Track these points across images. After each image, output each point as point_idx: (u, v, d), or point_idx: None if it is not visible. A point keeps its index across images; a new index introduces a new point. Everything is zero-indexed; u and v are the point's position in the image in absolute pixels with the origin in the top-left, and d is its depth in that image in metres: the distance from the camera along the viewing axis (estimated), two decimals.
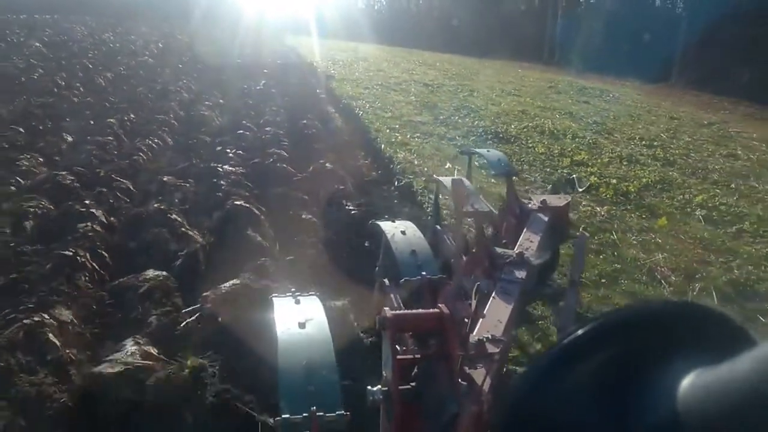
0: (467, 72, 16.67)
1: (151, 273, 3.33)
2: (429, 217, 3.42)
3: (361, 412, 1.42)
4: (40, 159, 5.07)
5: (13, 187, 4.40)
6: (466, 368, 1.51)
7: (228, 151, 5.72)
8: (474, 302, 1.75)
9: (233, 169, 5.19)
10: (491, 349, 1.65)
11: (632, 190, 5.94)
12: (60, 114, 6.68)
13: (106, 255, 3.55)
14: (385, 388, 1.38)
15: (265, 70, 11.35)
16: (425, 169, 6.22)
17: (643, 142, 8.54)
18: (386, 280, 2.02)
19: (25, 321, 2.66)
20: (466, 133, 7.91)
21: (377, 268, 2.47)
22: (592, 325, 0.40)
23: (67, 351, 2.63)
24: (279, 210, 4.46)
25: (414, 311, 1.51)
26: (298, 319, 1.45)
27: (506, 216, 3.09)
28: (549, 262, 3.02)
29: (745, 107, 15.54)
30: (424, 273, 1.86)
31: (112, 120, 6.39)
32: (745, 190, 6.56)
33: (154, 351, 2.66)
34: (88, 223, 3.76)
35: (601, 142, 8.22)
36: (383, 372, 1.43)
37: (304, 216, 4.36)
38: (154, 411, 2.28)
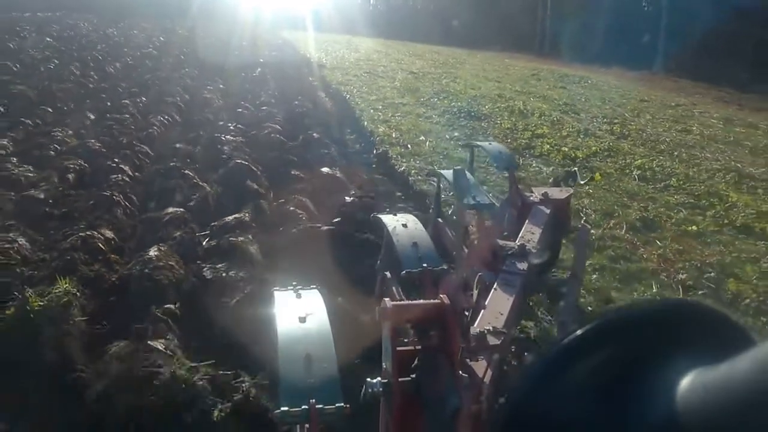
0: (455, 61, 17.53)
1: (171, 209, 4.23)
2: (431, 210, 3.42)
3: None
4: (69, 132, 5.95)
5: (52, 152, 5.30)
6: (467, 360, 1.51)
7: (229, 125, 6.62)
8: (475, 293, 1.76)
9: (234, 138, 6.09)
10: (492, 341, 1.64)
11: (580, 155, 6.84)
12: (80, 97, 7.56)
13: (135, 198, 4.45)
14: (385, 380, 1.37)
15: (261, 60, 12.22)
16: (402, 140, 7.10)
17: (605, 120, 9.42)
18: (388, 273, 2.03)
19: (80, 234, 3.56)
20: (442, 112, 8.81)
21: (379, 262, 2.44)
22: (592, 324, 0.40)
23: (112, 254, 3.53)
24: (273, 168, 5.37)
25: (414, 302, 1.50)
26: (299, 313, 1.45)
27: (508, 208, 3.07)
28: (550, 255, 3.01)
29: (717, 91, 16.33)
30: (425, 265, 1.84)
31: (126, 101, 7.28)
32: (686, 156, 7.45)
33: (173, 256, 3.56)
34: (118, 175, 4.66)
35: (565, 120, 9.10)
36: (383, 363, 1.42)
37: (293, 172, 5.26)
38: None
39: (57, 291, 2.79)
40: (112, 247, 3.62)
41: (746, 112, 13.08)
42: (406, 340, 1.44)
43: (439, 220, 3.20)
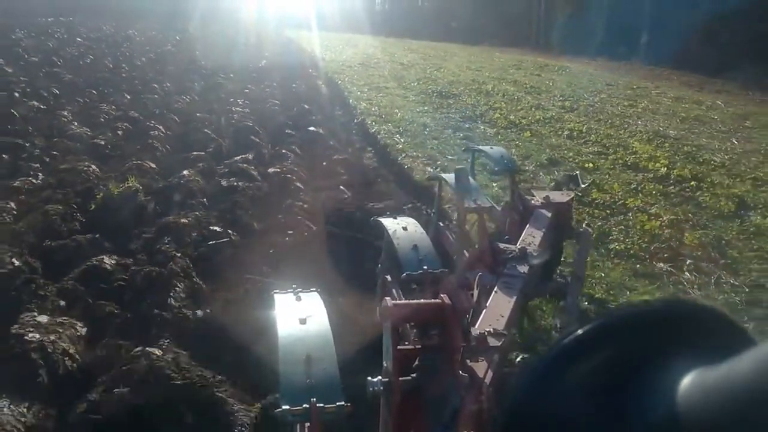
0: (445, 55, 19.05)
1: (195, 153, 5.84)
2: (432, 214, 3.50)
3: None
4: (113, 106, 7.60)
5: (102, 119, 6.94)
6: (468, 361, 1.52)
7: (239, 101, 8.24)
8: (476, 293, 1.78)
9: (242, 109, 7.71)
10: (493, 342, 1.66)
11: (523, 122, 8.35)
12: (116, 83, 9.23)
13: (168, 146, 6.07)
14: (386, 379, 1.38)
15: (266, 54, 13.85)
16: (379, 113, 8.66)
17: (562, 98, 10.89)
18: (388, 276, 2.04)
19: (134, 162, 5.17)
20: (418, 93, 10.36)
21: (379, 265, 2.43)
22: (592, 324, 0.40)
23: (156, 176, 5.14)
24: (271, 129, 6.97)
25: (415, 301, 1.51)
26: (299, 315, 1.47)
27: (509, 212, 3.08)
28: (552, 259, 3.04)
29: (688, 77, 17.60)
30: (426, 267, 1.86)
31: (155, 85, 8.93)
32: (618, 123, 8.91)
33: (198, 176, 5.14)
34: (155, 131, 6.28)
35: (525, 98, 10.60)
36: (384, 362, 1.43)
37: (287, 131, 6.86)
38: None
39: (128, 185, 4.41)
40: (156, 171, 5.23)
41: (704, 93, 14.41)
42: (407, 342, 1.45)
43: (440, 223, 3.21)
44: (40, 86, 8.17)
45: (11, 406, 2.24)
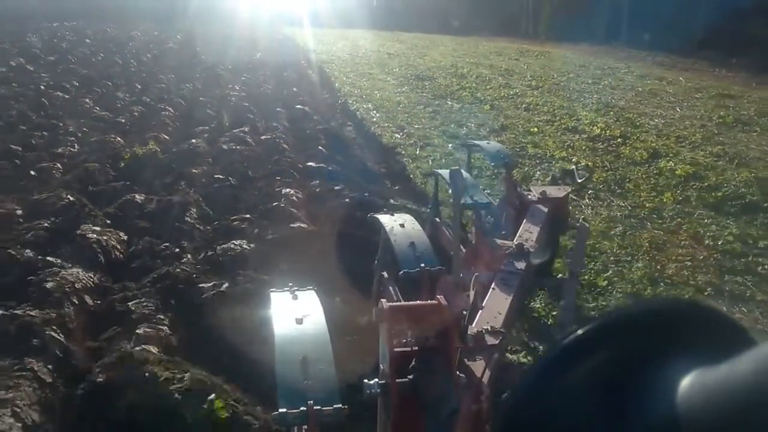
0: (431, 44, 20.09)
1: (200, 128, 6.97)
2: (429, 209, 3.52)
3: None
4: (127, 95, 8.76)
5: (119, 104, 8.10)
6: (465, 360, 1.54)
7: (236, 87, 9.38)
8: (473, 294, 1.81)
9: (238, 93, 8.85)
10: (490, 341, 1.68)
11: (488, 98, 9.45)
12: (127, 76, 10.38)
13: (177, 123, 7.21)
14: (383, 381, 1.38)
15: (261, 48, 14.99)
16: (360, 94, 9.78)
17: (531, 79, 11.96)
18: (385, 273, 2.07)
19: (151, 135, 6.32)
20: (397, 77, 11.47)
21: (376, 262, 2.45)
22: (592, 325, 0.40)
23: (170, 143, 6.28)
24: (264, 108, 8.10)
25: (411, 303, 1.51)
26: (296, 315, 1.47)
27: (505, 207, 3.07)
28: (549, 254, 3.03)
29: (663, 59, 18.53)
30: (423, 265, 1.84)
31: (161, 76, 10.08)
32: (575, 97, 9.99)
33: (204, 142, 6.28)
34: (166, 112, 7.43)
35: (496, 79, 11.68)
36: (380, 364, 1.43)
37: (278, 109, 7.99)
38: None
39: (149, 147, 5.56)
40: (169, 140, 6.38)
41: (672, 71, 15.42)
42: (404, 341, 1.44)
43: (437, 219, 3.23)
44: (61, 80, 9.33)
45: (83, 272, 3.38)
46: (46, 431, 2.25)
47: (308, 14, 28.55)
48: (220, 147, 6.09)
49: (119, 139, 6.23)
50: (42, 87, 8.83)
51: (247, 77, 10.41)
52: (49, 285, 3.09)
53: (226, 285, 3.19)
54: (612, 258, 3.99)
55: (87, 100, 8.16)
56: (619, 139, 6.98)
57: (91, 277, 3.36)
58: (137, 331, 2.73)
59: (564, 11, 25.63)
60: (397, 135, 7.05)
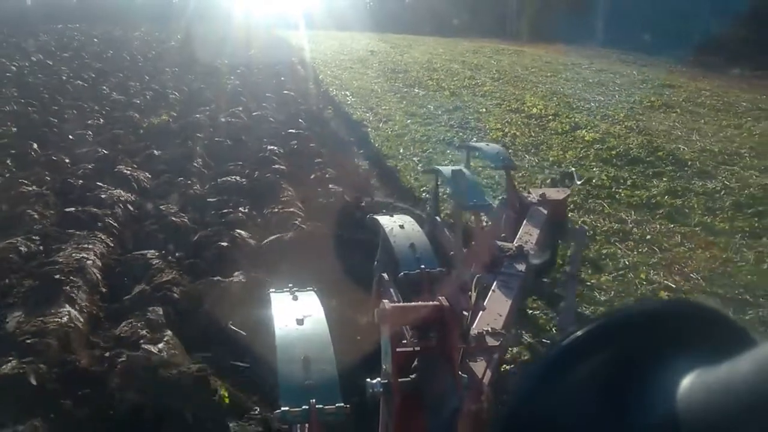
0: (414, 44, 21.53)
1: (201, 108, 8.37)
2: (428, 209, 3.53)
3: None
4: (138, 83, 10.16)
5: (132, 90, 9.50)
6: (467, 361, 1.57)
7: (231, 77, 10.80)
8: (474, 294, 1.85)
9: (233, 83, 10.27)
10: (491, 342, 1.71)
11: (451, 87, 10.86)
12: (136, 69, 11.78)
13: (182, 104, 8.62)
14: (385, 381, 1.40)
15: (256, 47, 16.43)
16: (340, 84, 11.18)
17: (496, 73, 13.38)
18: (385, 275, 2.08)
19: (162, 113, 7.73)
20: (375, 70, 12.90)
21: (376, 263, 2.43)
22: (592, 325, 0.41)
23: (178, 117, 7.68)
24: (255, 93, 9.51)
25: (413, 303, 1.52)
26: (296, 315, 1.48)
27: (505, 209, 3.09)
28: (548, 256, 3.03)
29: (628, 56, 19.91)
30: (423, 266, 1.85)
31: (166, 69, 11.50)
32: (528, 87, 11.41)
33: (206, 118, 7.68)
34: (173, 95, 8.84)
35: (464, 72, 13.10)
36: (383, 365, 1.45)
37: (267, 94, 9.41)
38: None
39: (162, 118, 6.97)
40: (175, 116, 7.77)
41: (631, 66, 16.83)
42: (404, 341, 1.47)
43: (437, 218, 3.26)
44: (79, 72, 10.73)
45: (124, 192, 4.76)
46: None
47: (303, 17, 29.86)
48: (219, 120, 7.50)
49: (136, 114, 7.63)
50: (64, 77, 10.23)
51: (242, 70, 11.83)
52: (103, 196, 4.49)
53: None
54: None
55: (104, 87, 9.56)
56: (551, 117, 8.40)
57: (129, 195, 4.76)
58: (171, 218, 4.14)
59: (545, 13, 27.02)
60: (366, 114, 8.46)
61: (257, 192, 4.94)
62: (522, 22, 27.98)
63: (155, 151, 5.99)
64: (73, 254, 3.43)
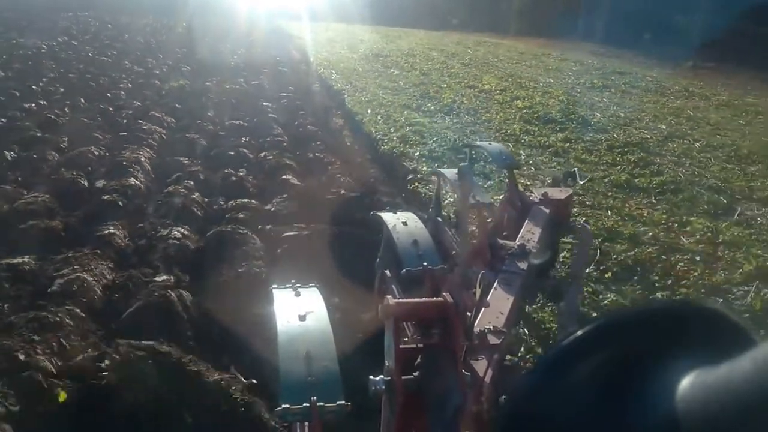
0: (403, 35, 23.26)
1: (209, 77, 10.12)
2: (430, 210, 3.49)
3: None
4: (153, 60, 11.92)
5: (149, 65, 11.26)
6: (469, 359, 1.56)
7: (233, 56, 12.57)
8: (478, 291, 1.85)
9: (235, 60, 12.03)
10: (493, 340, 1.72)
11: (423, 69, 12.60)
12: (151, 50, 13.52)
13: (194, 75, 10.38)
14: (388, 378, 1.40)
15: (256, 34, 18.18)
16: (329, 66, 12.92)
17: (467, 60, 15.11)
18: (387, 271, 2.09)
19: (174, 80, 9.49)
20: (361, 55, 14.65)
21: (378, 260, 2.42)
22: (592, 325, 0.41)
23: (189, 82, 9.45)
24: (254, 69, 11.27)
25: (417, 300, 1.52)
26: (298, 312, 1.49)
27: (507, 208, 3.10)
28: (550, 256, 3.02)
29: (599, 49, 21.47)
30: (425, 263, 1.85)
31: (176, 49, 13.27)
32: (491, 70, 13.16)
33: (213, 85, 9.43)
34: (185, 68, 10.61)
35: (439, 58, 14.84)
36: (385, 361, 1.44)
37: (264, 70, 11.17)
38: None
39: (180, 82, 8.74)
40: (189, 82, 9.54)
41: (598, 58, 18.45)
42: (406, 339, 1.48)
43: (439, 218, 3.27)
44: (102, 51, 12.48)
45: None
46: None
47: (305, 9, 31.20)
48: (224, 87, 9.27)
49: (157, 81, 9.39)
50: (90, 54, 11.97)
51: (242, 51, 13.59)
52: (144, 127, 6.26)
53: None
54: (448, 139, 7.18)
55: (126, 62, 11.31)
56: (498, 92, 10.17)
57: (162, 130, 6.53)
58: (194, 138, 5.91)
59: (536, 10, 28.44)
60: (346, 86, 10.21)
61: (256, 131, 6.72)
62: (513, 19, 29.34)
63: (177, 105, 7.75)
64: (133, 155, 5.23)
